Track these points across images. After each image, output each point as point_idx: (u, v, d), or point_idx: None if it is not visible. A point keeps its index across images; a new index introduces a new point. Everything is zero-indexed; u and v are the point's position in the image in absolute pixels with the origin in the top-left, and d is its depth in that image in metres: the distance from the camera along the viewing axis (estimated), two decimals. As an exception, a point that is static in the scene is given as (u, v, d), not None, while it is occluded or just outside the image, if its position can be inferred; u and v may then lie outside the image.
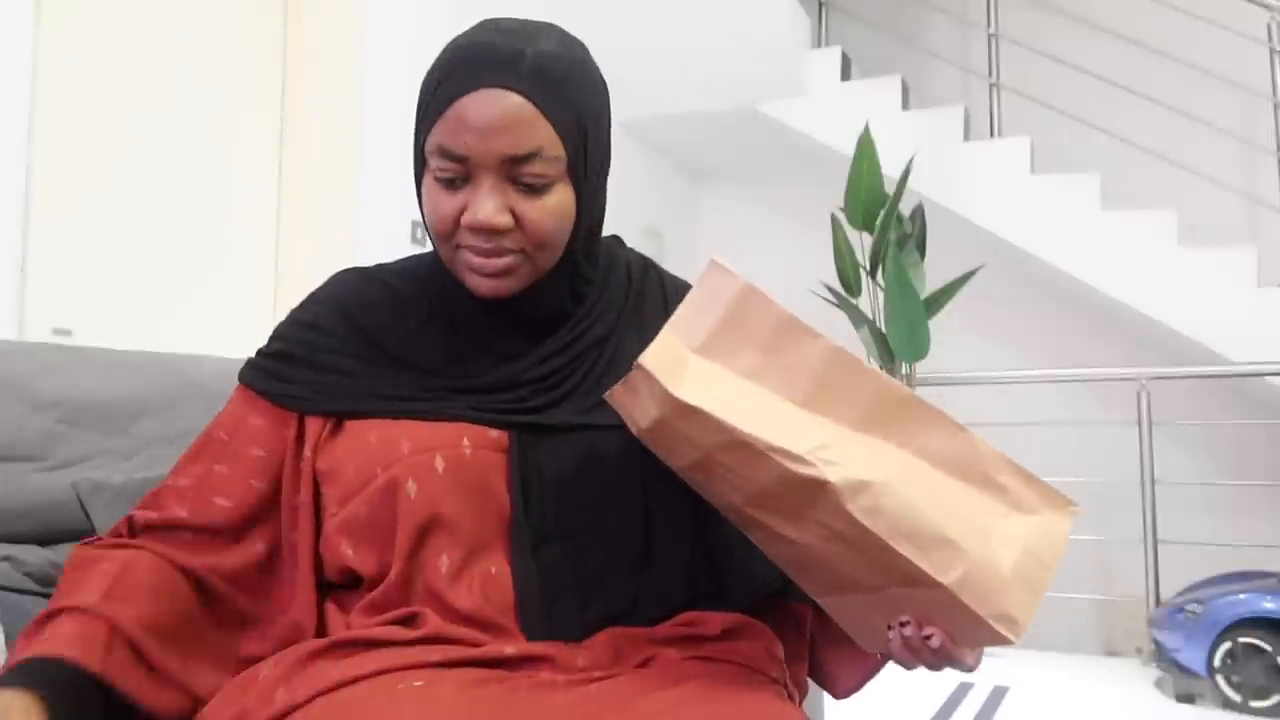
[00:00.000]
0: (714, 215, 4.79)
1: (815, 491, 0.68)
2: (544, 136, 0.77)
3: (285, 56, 2.73)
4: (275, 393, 0.84)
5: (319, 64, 2.72)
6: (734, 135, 4.28)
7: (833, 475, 0.67)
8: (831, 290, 3.42)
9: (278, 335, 0.88)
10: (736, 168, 4.71)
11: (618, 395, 0.73)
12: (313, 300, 0.90)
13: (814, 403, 0.72)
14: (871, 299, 3.38)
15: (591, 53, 0.86)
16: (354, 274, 0.91)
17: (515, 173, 0.77)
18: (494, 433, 0.80)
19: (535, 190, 0.78)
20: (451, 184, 0.78)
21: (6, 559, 1.05)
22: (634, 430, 0.74)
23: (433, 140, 0.78)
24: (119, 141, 2.27)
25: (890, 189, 3.28)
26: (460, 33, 0.83)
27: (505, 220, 0.78)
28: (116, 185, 2.26)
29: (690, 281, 1.02)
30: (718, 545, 0.84)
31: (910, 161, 3.31)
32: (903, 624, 0.72)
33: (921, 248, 3.43)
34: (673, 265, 1.05)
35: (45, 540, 1.13)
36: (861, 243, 3.41)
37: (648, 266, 0.97)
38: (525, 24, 0.81)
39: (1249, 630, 2.56)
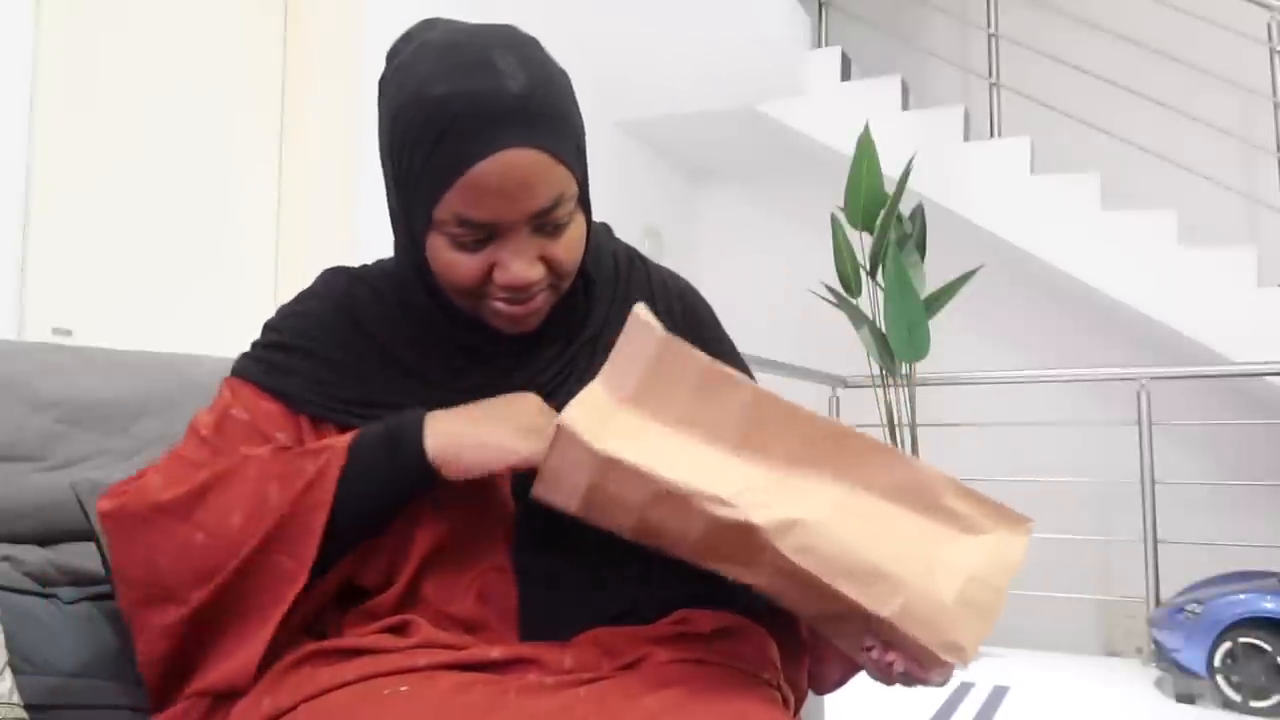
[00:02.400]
0: (713, 215, 4.79)
1: (748, 535, 0.67)
2: (562, 180, 0.76)
3: (285, 56, 2.73)
4: (279, 389, 0.83)
5: (319, 64, 2.72)
6: (734, 135, 4.28)
7: (758, 517, 0.67)
8: (831, 290, 3.42)
9: (274, 327, 0.87)
10: (736, 168, 4.71)
11: (548, 473, 0.72)
12: (307, 295, 0.88)
13: (745, 446, 0.72)
14: (871, 299, 3.38)
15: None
16: (343, 274, 0.89)
17: (540, 222, 0.76)
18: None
19: (558, 230, 0.78)
20: (473, 246, 0.76)
21: (6, 559, 1.05)
22: (570, 511, 0.73)
23: (447, 208, 0.74)
24: (119, 141, 2.27)
25: (890, 189, 3.29)
26: (412, 60, 0.76)
27: (540, 272, 0.78)
28: (116, 185, 2.26)
29: (687, 278, 1.03)
30: None
31: (910, 161, 3.31)
32: (868, 648, 0.73)
33: (921, 248, 3.43)
34: (673, 265, 1.05)
35: (45, 540, 1.13)
36: (861, 243, 3.41)
37: (633, 258, 0.96)
38: (482, 42, 0.75)
39: (1249, 630, 2.56)
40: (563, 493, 0.72)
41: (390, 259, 0.90)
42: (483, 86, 0.73)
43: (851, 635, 0.75)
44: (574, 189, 0.78)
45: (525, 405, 0.77)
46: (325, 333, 0.84)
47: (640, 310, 0.73)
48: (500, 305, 0.79)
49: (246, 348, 0.88)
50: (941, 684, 0.74)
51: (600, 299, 0.89)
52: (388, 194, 0.83)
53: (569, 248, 0.79)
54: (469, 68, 0.73)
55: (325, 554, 0.74)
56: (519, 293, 0.78)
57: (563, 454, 0.70)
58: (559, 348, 0.85)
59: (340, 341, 0.84)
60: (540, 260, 0.77)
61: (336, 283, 0.88)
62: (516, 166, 0.73)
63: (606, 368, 0.73)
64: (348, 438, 0.77)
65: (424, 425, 0.76)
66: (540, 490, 0.73)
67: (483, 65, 0.73)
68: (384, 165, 0.81)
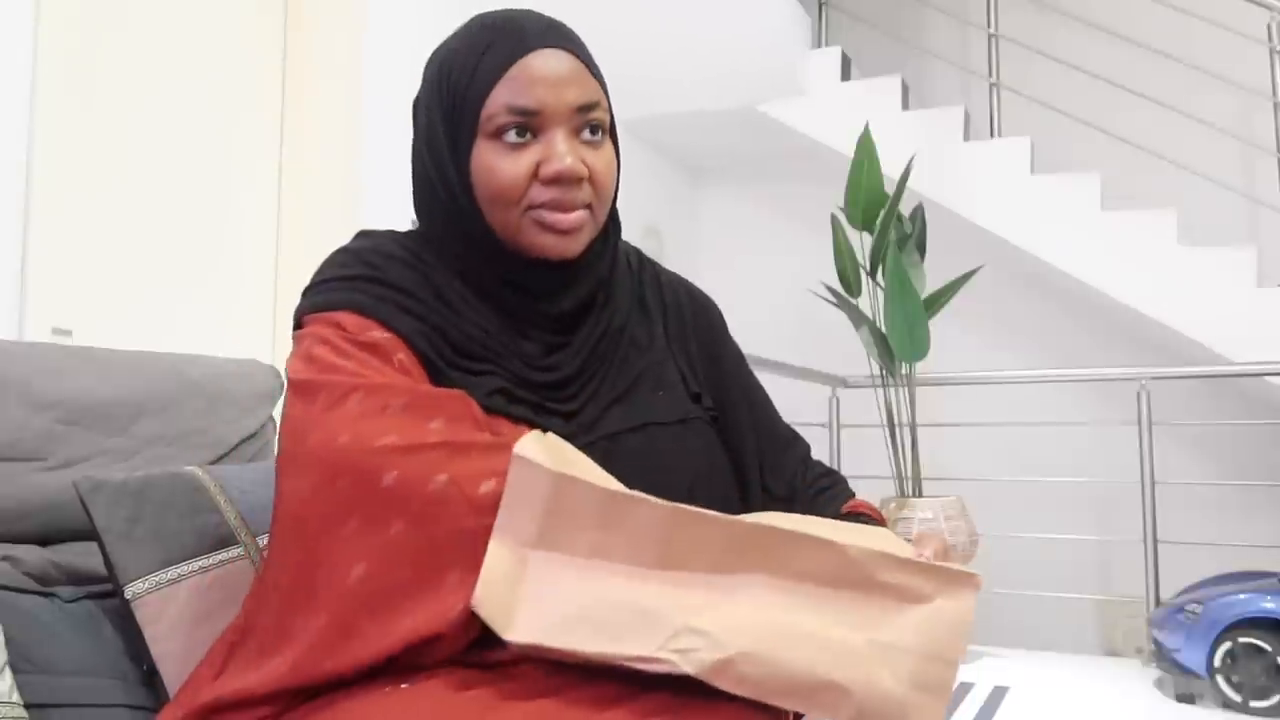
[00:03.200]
0: (714, 215, 4.79)
1: (685, 674, 0.67)
2: (596, 89, 0.83)
3: (286, 57, 2.73)
4: (389, 321, 0.80)
5: (320, 64, 2.72)
6: (734, 135, 4.28)
7: (689, 666, 0.66)
8: (831, 290, 3.42)
9: (338, 263, 0.85)
10: (736, 168, 4.71)
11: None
12: (351, 244, 0.89)
13: (666, 561, 0.70)
14: (871, 299, 3.38)
15: (592, 52, 0.89)
16: (384, 232, 0.91)
17: (580, 122, 0.81)
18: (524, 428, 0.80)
19: (595, 143, 0.83)
20: (519, 144, 0.80)
21: (6, 559, 1.05)
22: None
23: (496, 102, 0.80)
24: (119, 142, 2.27)
25: (890, 189, 3.28)
26: (451, 37, 0.86)
27: (584, 170, 0.81)
28: (116, 185, 2.26)
29: (688, 278, 1.03)
30: None
31: (910, 161, 3.31)
32: None
33: (921, 248, 3.43)
34: (673, 265, 1.06)
35: (45, 540, 1.13)
36: (861, 243, 3.41)
37: (643, 260, 0.99)
38: (524, 9, 0.86)
39: (1249, 630, 2.56)
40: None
41: (411, 233, 0.91)
42: (518, 16, 0.84)
43: None
44: (607, 105, 0.84)
45: None
46: (393, 267, 0.85)
47: (521, 450, 0.70)
48: (544, 213, 0.81)
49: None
50: None
51: (622, 294, 0.92)
52: (422, 153, 0.85)
53: (607, 163, 0.84)
54: (503, 14, 0.84)
55: None
56: (563, 190, 0.80)
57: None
58: (598, 333, 0.87)
59: (408, 274, 0.84)
60: (583, 164, 0.81)
61: (384, 232, 0.90)
62: (560, 59, 0.81)
63: (500, 516, 0.69)
64: None
65: None
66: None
67: (515, 13, 0.85)
68: (424, 113, 0.85)
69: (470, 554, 0.68)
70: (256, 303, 2.56)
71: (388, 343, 0.79)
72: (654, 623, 0.67)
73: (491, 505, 0.69)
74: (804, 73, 3.96)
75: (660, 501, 0.70)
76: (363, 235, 0.91)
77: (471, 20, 0.85)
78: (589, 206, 0.82)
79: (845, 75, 4.02)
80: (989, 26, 3.99)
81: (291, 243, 2.66)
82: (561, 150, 0.80)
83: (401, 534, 0.69)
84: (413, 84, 0.88)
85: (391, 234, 0.90)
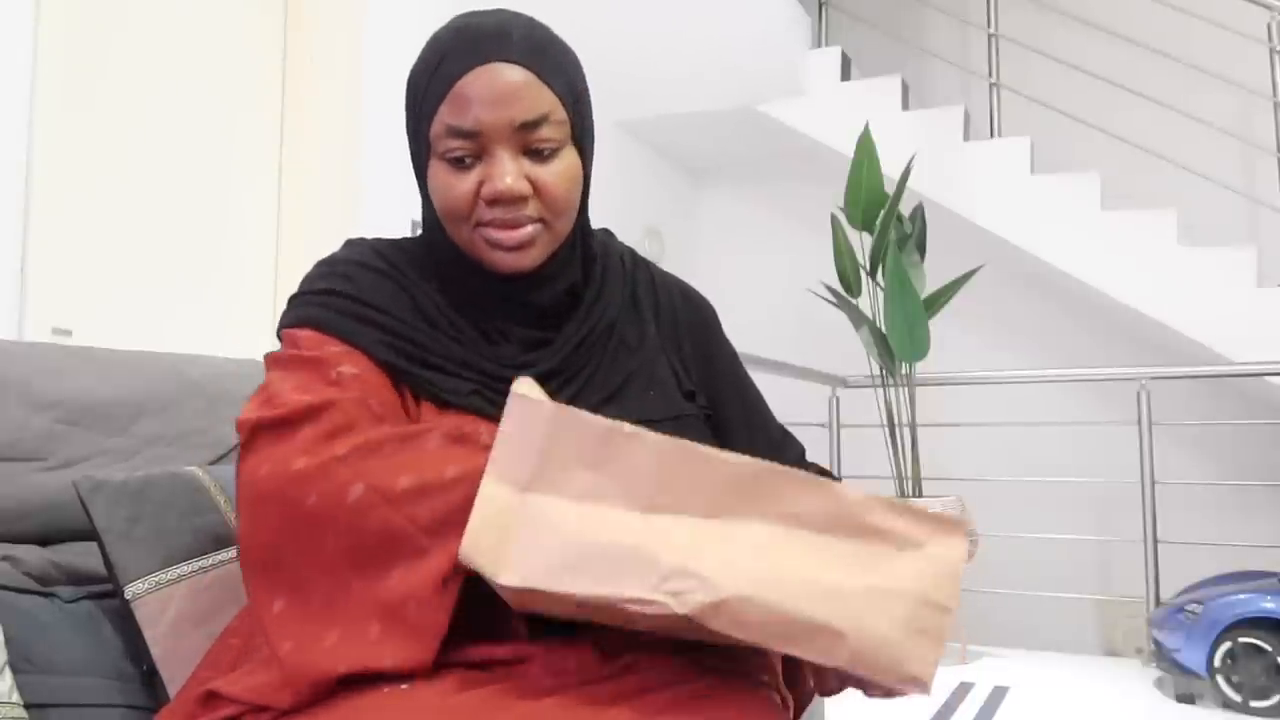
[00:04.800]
0: (714, 215, 4.79)
1: (681, 618, 0.66)
2: (549, 101, 0.80)
3: (285, 56, 2.73)
4: (356, 337, 0.82)
5: (319, 64, 2.72)
6: (734, 135, 4.28)
7: (684, 608, 0.65)
8: (831, 290, 3.42)
9: (318, 276, 0.86)
10: (736, 168, 4.71)
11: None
12: (339, 254, 0.89)
13: (659, 503, 0.69)
14: (871, 299, 3.38)
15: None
16: (374, 239, 0.92)
17: (527, 140, 0.80)
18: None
19: (546, 156, 0.81)
20: (462, 163, 0.80)
21: (6, 559, 1.05)
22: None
23: (439, 123, 0.79)
24: (119, 142, 2.27)
25: (890, 189, 3.29)
26: (430, 37, 0.85)
27: (525, 187, 0.80)
28: (116, 185, 2.26)
29: (687, 278, 1.03)
30: None
31: (910, 161, 3.31)
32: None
33: (921, 248, 3.43)
34: (673, 265, 1.06)
35: (45, 540, 1.13)
36: (861, 243, 3.41)
37: (637, 260, 0.98)
38: (495, 11, 0.83)
39: (1249, 630, 2.56)
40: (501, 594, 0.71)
41: (404, 240, 0.93)
42: (483, 22, 0.81)
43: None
44: (562, 117, 0.81)
45: None
46: (377, 284, 0.85)
47: (520, 386, 0.71)
48: (490, 231, 0.81)
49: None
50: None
51: (612, 293, 0.91)
52: (412, 159, 0.87)
53: (557, 177, 0.81)
54: (476, 16, 0.82)
55: None
56: (505, 209, 0.80)
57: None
58: (584, 331, 0.87)
59: (390, 292, 0.85)
60: (526, 179, 0.80)
61: (369, 242, 0.91)
62: (500, 75, 0.78)
63: (495, 456, 0.69)
64: None
65: None
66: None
67: (489, 15, 0.82)
68: (407, 128, 0.86)
69: (408, 548, 0.69)
70: (256, 303, 2.56)
71: (335, 356, 0.80)
72: (648, 564, 0.67)
73: (413, 496, 0.70)
74: (804, 73, 3.96)
75: (658, 437, 0.70)
76: (347, 245, 0.91)
77: (442, 26, 0.84)
78: (542, 220, 0.82)
79: (845, 75, 4.02)
80: (989, 26, 3.99)
81: (291, 243, 2.66)
82: (500, 171, 0.78)
83: (337, 550, 0.71)
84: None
85: (374, 244, 0.90)
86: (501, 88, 0.78)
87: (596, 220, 0.93)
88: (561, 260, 0.86)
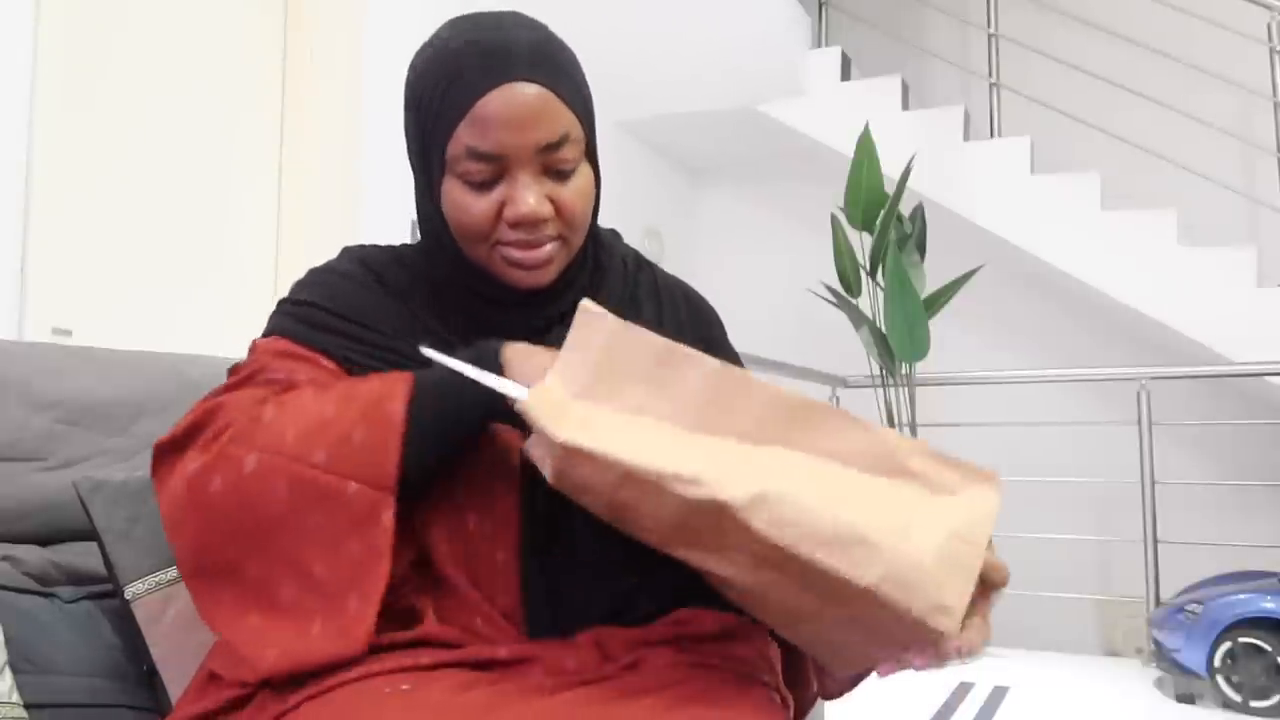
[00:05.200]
0: (714, 215, 4.79)
1: (718, 515, 0.66)
2: (567, 120, 0.79)
3: (285, 56, 2.73)
4: (328, 347, 0.82)
5: (319, 64, 2.72)
6: (734, 135, 4.28)
7: (725, 493, 0.65)
8: (831, 290, 3.42)
9: (303, 285, 0.87)
10: (736, 168, 4.71)
11: (532, 447, 0.72)
12: (333, 262, 0.89)
13: (706, 424, 0.71)
14: (871, 299, 3.38)
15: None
16: (363, 247, 0.91)
17: (548, 160, 0.79)
18: (506, 429, 0.80)
19: (566, 175, 0.80)
20: (483, 185, 0.78)
21: (6, 559, 1.05)
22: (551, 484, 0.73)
23: (457, 144, 0.77)
24: (119, 142, 2.27)
25: (890, 189, 3.29)
26: (432, 39, 0.82)
27: (548, 209, 0.79)
28: (116, 185, 2.26)
29: (687, 278, 1.03)
30: None
31: (910, 161, 3.31)
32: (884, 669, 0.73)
33: (921, 248, 3.43)
34: (673, 265, 1.05)
35: (45, 540, 1.13)
36: (861, 243, 3.41)
37: (641, 262, 0.98)
38: (496, 16, 0.81)
39: (1249, 630, 2.56)
40: (543, 468, 0.72)
41: (401, 247, 0.92)
42: (494, 36, 0.78)
43: (831, 642, 0.73)
44: (579, 134, 0.80)
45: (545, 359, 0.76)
46: (355, 294, 0.85)
47: (587, 303, 0.74)
48: (511, 251, 0.80)
49: (247, 348, 0.88)
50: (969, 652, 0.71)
51: (611, 295, 0.90)
52: (412, 166, 0.85)
53: (577, 195, 0.81)
54: (481, 26, 0.79)
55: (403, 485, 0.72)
56: (528, 231, 0.79)
57: (538, 433, 0.70)
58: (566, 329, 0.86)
59: (372, 303, 0.85)
60: (548, 201, 0.79)
61: (362, 252, 0.90)
62: (522, 96, 0.77)
63: (558, 364, 0.72)
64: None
65: (501, 345, 0.76)
66: (532, 456, 0.73)
67: (494, 24, 0.79)
68: (408, 136, 0.84)
69: (313, 491, 0.71)
70: (256, 303, 2.56)
71: (284, 365, 0.81)
72: (693, 457, 0.68)
73: (304, 444, 0.71)
74: (804, 73, 3.96)
75: (714, 361, 0.72)
76: (341, 253, 0.91)
77: (449, 30, 0.81)
78: (560, 237, 0.82)
79: (845, 75, 4.02)
80: (989, 26, 3.99)
81: (291, 243, 2.66)
82: (524, 194, 0.78)
83: (257, 526, 0.72)
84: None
85: (364, 254, 0.89)
86: (523, 110, 0.77)
87: (602, 225, 0.93)
88: (574, 272, 0.86)
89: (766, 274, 4.45)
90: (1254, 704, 2.54)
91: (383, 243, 0.93)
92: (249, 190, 2.62)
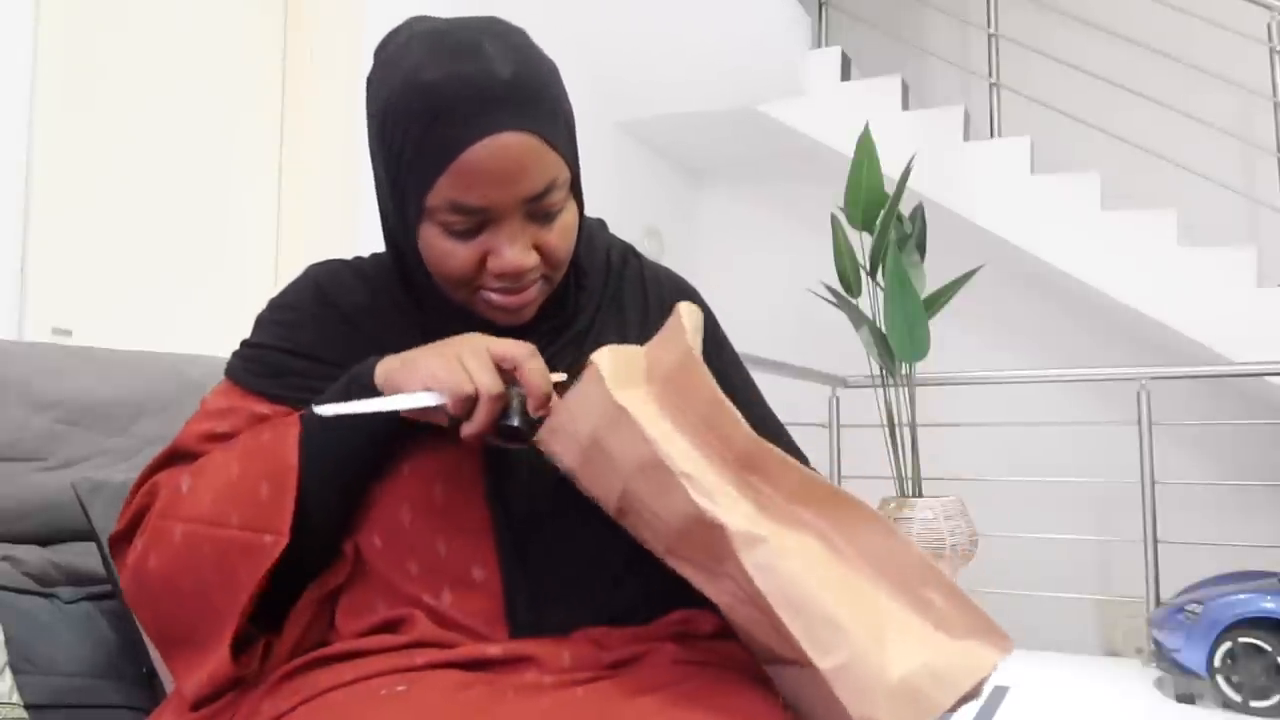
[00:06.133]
0: (713, 215, 4.79)
1: (716, 538, 0.65)
2: (554, 166, 0.76)
3: (286, 56, 2.73)
4: (271, 392, 0.83)
5: (319, 64, 2.72)
6: (734, 135, 4.28)
7: (731, 522, 0.64)
8: (831, 290, 3.42)
9: (259, 323, 0.87)
10: (736, 168, 4.70)
11: (560, 413, 0.72)
12: (292, 290, 0.88)
13: (742, 475, 0.71)
14: (871, 299, 3.38)
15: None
16: (330, 265, 0.90)
17: (533, 208, 0.76)
18: (463, 456, 0.79)
19: (550, 218, 0.78)
20: (465, 234, 0.76)
21: (6, 559, 1.05)
22: (563, 465, 0.73)
23: (439, 195, 0.74)
24: (119, 142, 2.27)
25: (890, 189, 3.28)
26: (396, 57, 0.75)
27: (534, 260, 0.77)
28: (116, 185, 2.26)
29: (687, 278, 1.02)
30: None
31: (910, 161, 3.31)
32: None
33: (921, 248, 3.43)
34: (673, 265, 1.05)
35: (45, 540, 1.13)
36: (861, 243, 3.41)
37: (628, 254, 0.95)
38: (471, 31, 0.75)
39: (1249, 630, 2.56)
40: (563, 440, 0.71)
41: (384, 254, 0.89)
42: (473, 70, 0.72)
43: (797, 699, 0.72)
44: (566, 175, 0.77)
45: (469, 343, 0.74)
46: (310, 327, 0.84)
47: (683, 310, 0.73)
48: (494, 296, 0.79)
49: (238, 345, 0.88)
50: None
51: (590, 294, 0.88)
52: (378, 187, 0.82)
53: (562, 236, 0.79)
54: (459, 54, 0.73)
55: (309, 526, 0.74)
56: (513, 281, 0.78)
57: (584, 394, 0.70)
58: (544, 342, 0.83)
59: (325, 336, 0.84)
60: (534, 248, 0.77)
61: (321, 274, 0.88)
62: (509, 150, 0.73)
63: (649, 346, 0.74)
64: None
65: (377, 362, 0.76)
66: (545, 434, 0.73)
67: (472, 51, 0.73)
68: (374, 157, 0.80)
69: (236, 549, 0.73)
70: (256, 303, 2.56)
71: (238, 422, 0.83)
72: (720, 486, 0.68)
73: (221, 508, 0.74)
74: (804, 73, 3.96)
75: (745, 431, 0.71)
76: (303, 274, 0.89)
77: (420, 49, 0.74)
78: (545, 277, 0.80)
79: (845, 75, 4.02)
80: (989, 26, 3.99)
81: (291, 243, 2.66)
82: (508, 247, 0.75)
83: (198, 591, 0.75)
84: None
85: (320, 277, 0.87)
86: (511, 165, 0.73)
87: (591, 216, 0.91)
88: (554, 299, 0.85)
89: (766, 274, 4.45)
90: (1254, 704, 2.54)
91: (374, 249, 0.91)
92: (249, 190, 2.61)
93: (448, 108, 0.72)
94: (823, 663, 0.63)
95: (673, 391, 0.72)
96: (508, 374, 0.73)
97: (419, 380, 0.71)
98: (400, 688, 0.68)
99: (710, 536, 0.66)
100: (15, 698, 0.88)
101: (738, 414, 0.71)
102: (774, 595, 0.64)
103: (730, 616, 0.71)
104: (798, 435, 1.03)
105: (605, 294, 0.90)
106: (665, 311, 0.92)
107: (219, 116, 2.53)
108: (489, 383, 0.70)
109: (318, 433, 0.75)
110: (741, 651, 0.79)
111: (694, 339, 0.73)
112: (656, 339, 0.74)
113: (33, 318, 2.03)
